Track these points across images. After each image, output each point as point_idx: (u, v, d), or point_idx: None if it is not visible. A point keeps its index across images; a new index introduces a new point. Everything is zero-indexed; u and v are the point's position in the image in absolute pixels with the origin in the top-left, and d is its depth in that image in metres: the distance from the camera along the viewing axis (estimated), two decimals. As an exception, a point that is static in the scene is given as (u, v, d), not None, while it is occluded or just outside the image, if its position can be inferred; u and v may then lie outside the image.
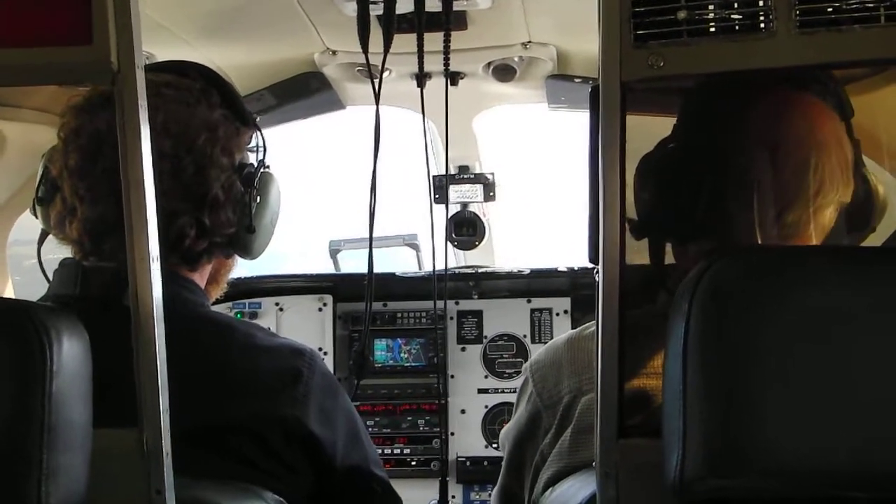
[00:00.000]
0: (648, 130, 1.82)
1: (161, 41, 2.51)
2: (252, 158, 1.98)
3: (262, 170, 1.94)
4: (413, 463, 3.55)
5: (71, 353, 1.34)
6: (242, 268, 3.69)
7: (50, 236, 1.90)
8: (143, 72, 1.49)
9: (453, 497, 3.52)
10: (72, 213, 1.79)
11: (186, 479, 1.65)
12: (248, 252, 1.95)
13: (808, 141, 1.65)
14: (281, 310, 3.68)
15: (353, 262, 4.06)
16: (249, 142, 1.96)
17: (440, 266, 1.99)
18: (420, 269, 3.98)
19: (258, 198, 1.91)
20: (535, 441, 1.96)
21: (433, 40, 2.11)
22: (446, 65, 1.94)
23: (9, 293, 2.69)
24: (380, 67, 1.93)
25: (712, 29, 1.43)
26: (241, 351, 1.85)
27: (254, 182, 1.90)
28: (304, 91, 3.00)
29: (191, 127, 1.83)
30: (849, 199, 1.69)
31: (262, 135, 1.99)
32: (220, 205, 1.85)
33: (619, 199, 1.42)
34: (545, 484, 1.86)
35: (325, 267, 4.06)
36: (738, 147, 1.67)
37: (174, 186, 1.79)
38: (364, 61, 1.98)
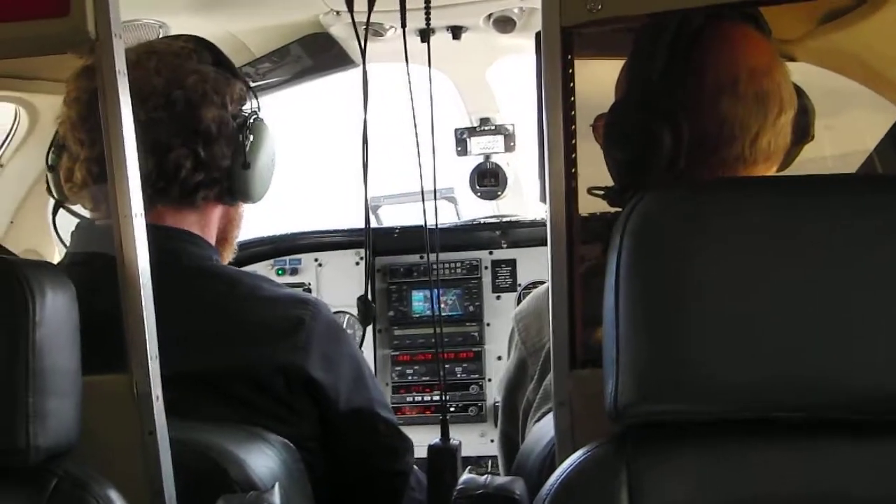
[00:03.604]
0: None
1: (173, 12, 2.60)
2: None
3: (254, 117, 2.03)
4: (452, 409, 3.62)
5: (55, 306, 1.44)
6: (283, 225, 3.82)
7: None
8: (121, 40, 1.57)
9: (491, 441, 3.60)
10: (76, 159, 1.91)
11: (192, 422, 1.76)
12: (247, 193, 2.03)
13: (758, 65, 1.71)
14: (320, 265, 3.76)
15: (395, 217, 4.14)
16: (242, 98, 2.04)
17: (432, 220, 2.05)
18: (458, 220, 4.05)
19: (251, 137, 2.00)
20: (524, 388, 2.04)
21: (437, -3, 2.18)
22: (427, 19, 2.00)
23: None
24: (365, 25, 1.99)
25: (650, -32, 1.46)
26: (245, 302, 1.94)
27: (246, 123, 2.00)
28: (314, 51, 3.07)
29: (181, 69, 1.94)
30: (796, 111, 1.76)
31: (251, 90, 2.09)
32: (213, 138, 1.94)
33: (562, 143, 1.47)
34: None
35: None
36: (702, 86, 1.71)
37: (167, 120, 1.90)
38: (367, 19, 2.03)
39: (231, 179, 1.98)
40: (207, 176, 1.95)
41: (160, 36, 2.57)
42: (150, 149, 1.83)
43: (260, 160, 2.01)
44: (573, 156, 1.49)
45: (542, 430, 1.78)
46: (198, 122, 1.92)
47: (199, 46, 2.01)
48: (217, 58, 2.02)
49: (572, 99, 1.49)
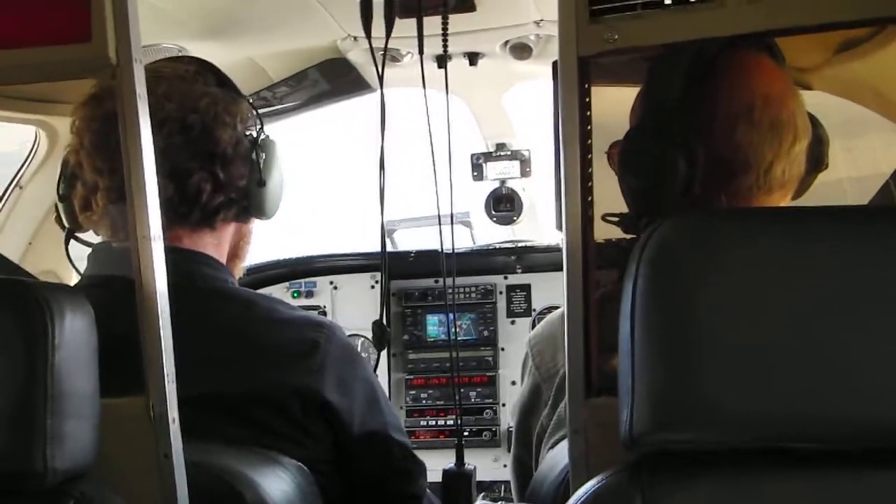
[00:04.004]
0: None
1: (193, 37, 2.62)
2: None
3: (262, 135, 2.05)
4: (466, 433, 3.61)
5: (73, 328, 1.45)
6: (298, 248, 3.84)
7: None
8: (141, 65, 1.59)
9: (505, 466, 3.60)
10: (94, 189, 1.91)
11: (207, 445, 1.76)
12: (263, 209, 2.04)
13: (772, 94, 1.71)
14: (335, 288, 3.78)
15: (410, 241, 4.15)
16: (249, 116, 2.05)
17: (448, 245, 2.06)
18: (474, 245, 4.06)
19: (263, 155, 2.02)
20: (538, 413, 2.04)
21: (455, 23, 2.19)
22: (444, 46, 2.02)
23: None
24: (383, 51, 2.00)
25: (667, 1, 1.47)
26: (261, 324, 1.95)
27: (258, 142, 2.02)
28: (331, 76, 3.09)
29: (191, 93, 1.95)
30: (810, 140, 1.76)
31: (255, 109, 2.09)
32: (229, 159, 1.96)
33: (578, 171, 1.48)
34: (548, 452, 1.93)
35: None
36: (717, 114, 1.72)
37: (184, 145, 1.91)
38: (385, 45, 2.05)
39: (248, 198, 2.00)
40: (226, 197, 1.97)
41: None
42: (169, 174, 1.85)
43: (273, 177, 2.04)
44: (589, 184, 1.50)
45: (556, 457, 1.78)
46: (214, 144, 1.93)
47: (202, 68, 2.03)
48: (220, 79, 2.04)
49: (589, 127, 1.50)
